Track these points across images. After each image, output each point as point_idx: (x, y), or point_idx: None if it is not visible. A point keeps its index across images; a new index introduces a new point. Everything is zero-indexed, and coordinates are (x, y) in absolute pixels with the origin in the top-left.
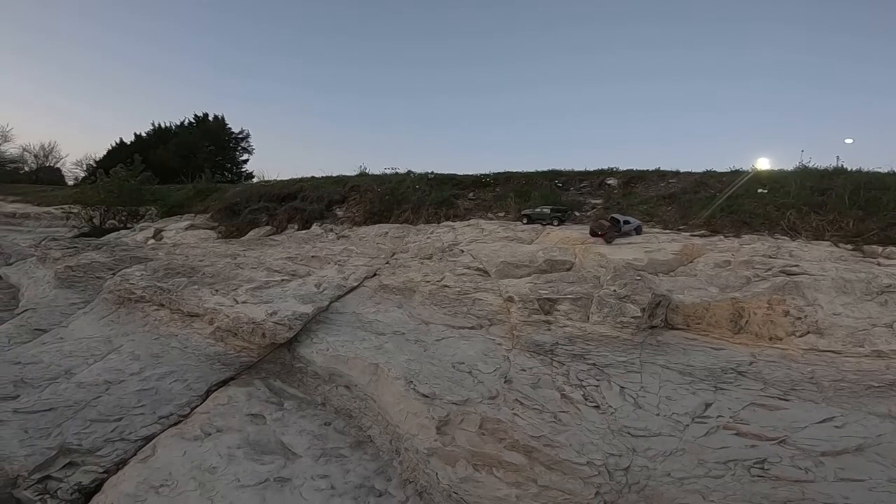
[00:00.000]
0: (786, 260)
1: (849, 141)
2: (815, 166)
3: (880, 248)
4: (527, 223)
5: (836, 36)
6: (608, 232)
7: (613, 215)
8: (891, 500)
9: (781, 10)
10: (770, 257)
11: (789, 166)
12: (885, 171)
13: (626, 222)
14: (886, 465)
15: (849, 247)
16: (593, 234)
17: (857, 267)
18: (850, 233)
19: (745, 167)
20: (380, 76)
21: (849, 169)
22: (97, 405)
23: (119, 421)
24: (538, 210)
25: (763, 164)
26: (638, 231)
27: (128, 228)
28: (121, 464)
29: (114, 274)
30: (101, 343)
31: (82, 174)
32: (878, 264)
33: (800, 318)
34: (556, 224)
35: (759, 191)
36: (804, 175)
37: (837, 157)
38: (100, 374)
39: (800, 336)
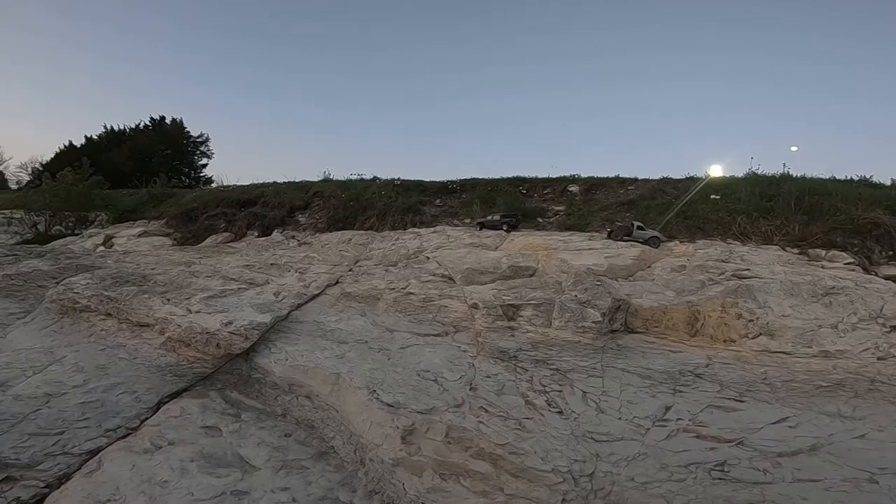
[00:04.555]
0: (737, 264)
1: (794, 149)
2: (764, 173)
3: (824, 252)
4: (480, 230)
5: (785, 37)
6: (615, 230)
7: (634, 221)
8: (847, 499)
9: (733, 13)
10: (723, 261)
11: (740, 173)
12: (827, 177)
13: (640, 228)
14: (839, 464)
15: (795, 251)
16: (608, 234)
17: (804, 270)
18: (795, 237)
19: (700, 174)
20: (347, 85)
21: (794, 175)
22: (36, 418)
23: (61, 434)
24: (489, 218)
25: (716, 171)
26: (652, 243)
27: (75, 235)
28: (64, 478)
29: (57, 283)
30: (41, 354)
31: (27, 178)
32: (822, 267)
33: (752, 321)
34: (505, 230)
35: (713, 197)
36: (754, 182)
37: (784, 164)
38: (39, 387)
39: (752, 338)
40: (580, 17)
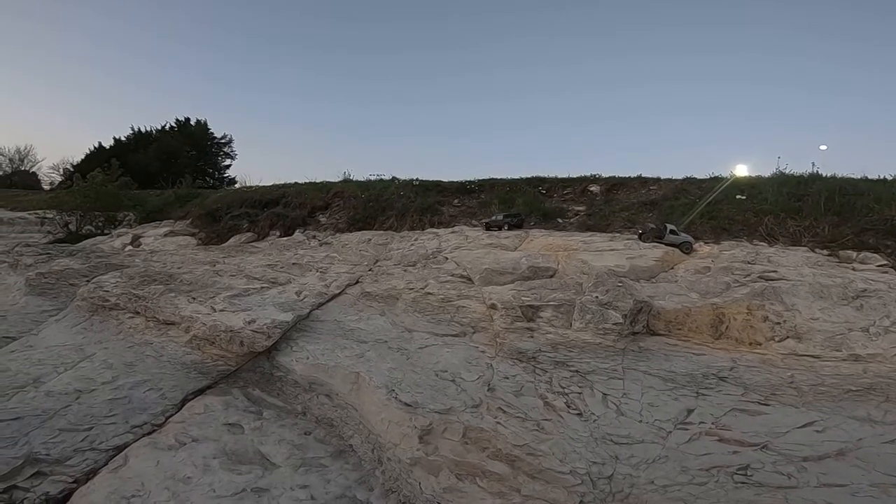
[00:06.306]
0: (764, 265)
1: (823, 147)
2: (792, 172)
3: (855, 253)
4: (486, 230)
5: (810, 39)
6: (647, 232)
7: (666, 223)
8: None
9: (758, 14)
10: (749, 263)
11: (767, 173)
12: (859, 176)
13: (673, 232)
14: (867, 469)
15: (825, 252)
16: (639, 236)
17: (833, 272)
18: (825, 238)
19: (724, 174)
20: (365, 86)
21: (824, 175)
22: (66, 414)
23: (89, 430)
24: (493, 218)
25: (741, 170)
26: (685, 248)
27: (105, 234)
28: (91, 474)
29: (88, 281)
30: (72, 351)
31: (59, 178)
32: (853, 269)
33: (779, 323)
34: (506, 228)
35: (738, 197)
36: (781, 181)
37: (813, 164)
38: (70, 383)
39: (779, 341)
40: (600, 18)
